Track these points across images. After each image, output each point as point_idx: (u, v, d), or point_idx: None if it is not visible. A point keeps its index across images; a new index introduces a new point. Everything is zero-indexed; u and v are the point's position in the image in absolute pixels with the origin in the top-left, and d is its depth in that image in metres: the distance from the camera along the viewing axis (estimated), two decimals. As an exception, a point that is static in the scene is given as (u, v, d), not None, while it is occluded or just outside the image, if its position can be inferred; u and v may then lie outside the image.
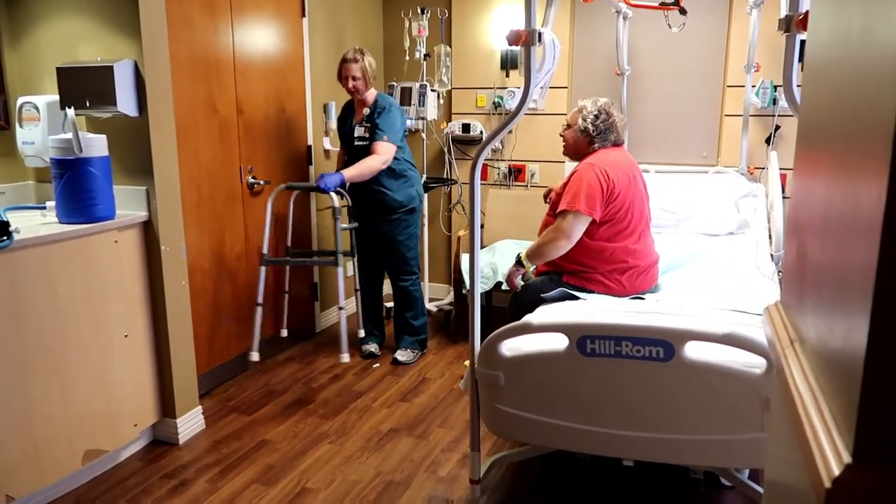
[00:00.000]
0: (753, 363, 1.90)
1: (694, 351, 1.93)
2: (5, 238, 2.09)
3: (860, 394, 0.55)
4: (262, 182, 3.53)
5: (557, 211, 2.69)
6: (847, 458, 0.57)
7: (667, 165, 3.98)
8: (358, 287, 3.59)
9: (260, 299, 3.29)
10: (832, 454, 0.59)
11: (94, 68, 2.49)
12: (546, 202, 3.02)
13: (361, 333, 3.59)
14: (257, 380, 3.48)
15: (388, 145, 3.42)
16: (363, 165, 3.38)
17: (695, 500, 2.45)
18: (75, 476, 2.50)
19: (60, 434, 2.38)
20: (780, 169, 3.54)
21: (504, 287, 3.52)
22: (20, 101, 2.65)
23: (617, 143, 2.84)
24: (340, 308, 3.28)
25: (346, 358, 3.31)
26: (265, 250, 3.29)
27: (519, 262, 2.79)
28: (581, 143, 2.82)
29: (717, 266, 2.98)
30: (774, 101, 3.71)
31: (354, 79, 3.38)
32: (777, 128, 3.76)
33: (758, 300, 2.50)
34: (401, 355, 3.70)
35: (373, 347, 3.78)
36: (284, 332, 3.57)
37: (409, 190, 3.58)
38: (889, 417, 0.55)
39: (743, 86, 3.74)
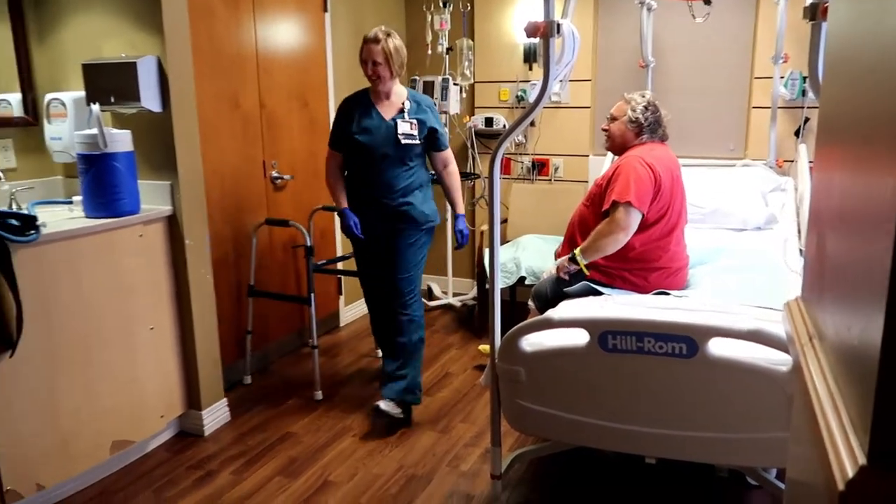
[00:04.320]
0: (780, 360, 1.86)
1: (718, 347, 1.89)
2: (32, 232, 2.13)
3: (875, 394, 0.53)
4: (285, 177, 3.56)
5: (608, 203, 2.59)
6: (862, 460, 0.55)
7: (693, 159, 3.91)
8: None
9: (249, 327, 3.33)
10: (847, 455, 0.57)
11: (118, 64, 2.52)
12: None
13: (379, 354, 3.43)
14: (282, 373, 3.51)
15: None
16: (458, 185, 3.06)
17: (720, 499, 2.42)
18: (103, 466, 2.55)
19: (88, 425, 2.42)
20: (810, 162, 3.46)
21: (527, 282, 3.51)
22: (48, 97, 2.70)
23: (663, 139, 2.79)
24: (314, 347, 3.21)
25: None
26: (252, 281, 3.32)
27: (573, 259, 2.67)
28: (629, 136, 2.74)
29: (743, 261, 2.92)
30: (804, 93, 3.63)
31: (375, 63, 2.80)
32: (807, 119, 3.67)
33: (785, 296, 2.44)
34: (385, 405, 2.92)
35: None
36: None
37: (432, 203, 3.02)
38: (905, 418, 0.53)
39: (771, 77, 3.67)
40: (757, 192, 3.47)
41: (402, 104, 2.90)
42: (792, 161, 3.72)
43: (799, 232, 3.22)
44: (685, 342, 1.89)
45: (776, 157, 3.75)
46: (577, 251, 2.67)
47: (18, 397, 2.20)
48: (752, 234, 3.32)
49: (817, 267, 0.88)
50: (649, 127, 2.72)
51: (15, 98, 2.74)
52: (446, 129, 3.17)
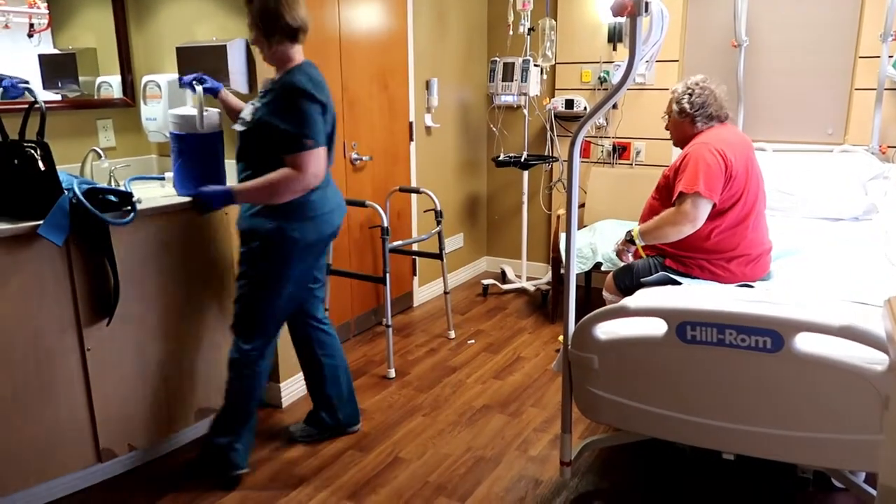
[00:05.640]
0: (874, 359, 1.75)
1: (806, 343, 1.80)
2: (130, 211, 2.24)
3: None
4: (364, 158, 3.61)
5: (676, 194, 2.52)
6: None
7: (786, 143, 3.71)
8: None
9: (326, 304, 3.31)
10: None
11: (210, 48, 2.61)
12: None
13: None
14: (356, 350, 3.59)
15: (315, 155, 2.20)
16: (270, 183, 2.18)
17: (802, 500, 2.31)
18: (188, 431, 2.68)
19: (175, 392, 2.56)
20: (919, 148, 3.22)
21: (604, 268, 3.44)
22: (144, 79, 2.83)
23: (721, 119, 2.67)
24: (388, 326, 3.27)
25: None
26: (329, 260, 3.32)
27: (629, 240, 2.66)
28: (684, 128, 2.66)
29: (838, 253, 2.76)
30: (915, 73, 3.37)
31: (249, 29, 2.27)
32: (917, 102, 3.41)
33: (886, 292, 2.29)
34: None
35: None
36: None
37: (260, 221, 2.28)
38: None
39: (878, 56, 3.42)
40: (856, 180, 3.27)
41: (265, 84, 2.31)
42: (897, 147, 3.48)
43: (902, 223, 3.01)
44: (770, 336, 1.81)
45: (879, 143, 3.51)
46: (634, 230, 2.62)
47: (114, 363, 2.34)
48: (848, 225, 3.14)
49: (922, 261, 0.82)
50: (698, 111, 2.60)
51: (115, 81, 2.89)
52: (308, 119, 2.20)
